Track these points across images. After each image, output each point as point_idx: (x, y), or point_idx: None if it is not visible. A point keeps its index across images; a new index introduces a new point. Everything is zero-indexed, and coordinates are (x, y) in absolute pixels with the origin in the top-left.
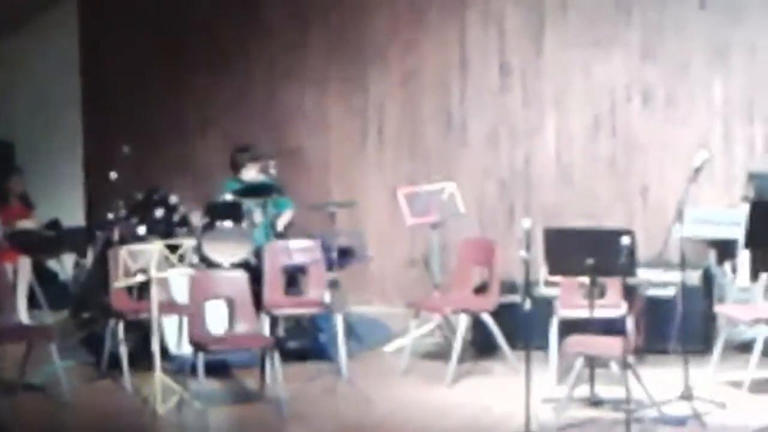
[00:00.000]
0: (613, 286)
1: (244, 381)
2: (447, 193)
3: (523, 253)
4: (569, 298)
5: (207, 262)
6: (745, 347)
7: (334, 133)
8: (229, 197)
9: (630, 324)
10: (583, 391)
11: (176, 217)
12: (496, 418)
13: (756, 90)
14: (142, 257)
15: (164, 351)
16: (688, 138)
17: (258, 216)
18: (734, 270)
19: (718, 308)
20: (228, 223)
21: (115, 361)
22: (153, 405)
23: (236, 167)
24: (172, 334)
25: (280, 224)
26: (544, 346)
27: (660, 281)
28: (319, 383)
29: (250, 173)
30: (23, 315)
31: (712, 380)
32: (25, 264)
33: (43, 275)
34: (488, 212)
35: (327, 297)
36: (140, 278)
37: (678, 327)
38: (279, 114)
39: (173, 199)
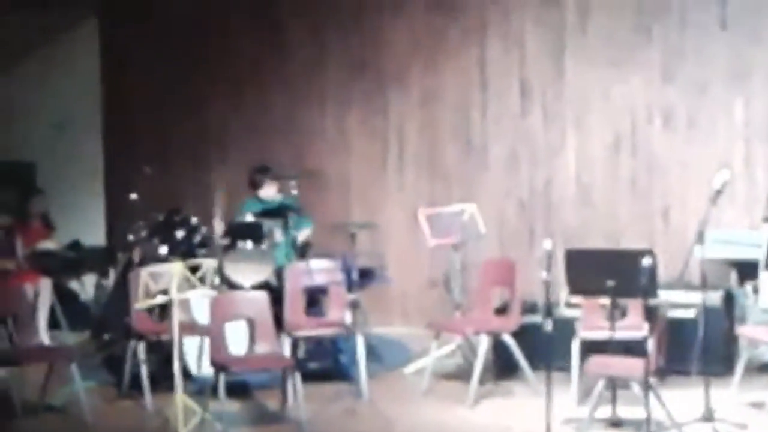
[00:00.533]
0: (635, 307)
1: (264, 402)
2: (468, 214)
3: (544, 274)
4: (590, 319)
5: (228, 283)
6: (767, 368)
7: (355, 154)
8: (249, 218)
9: (651, 345)
10: (604, 412)
11: (197, 238)
12: None
13: None
14: (163, 278)
15: (185, 372)
16: (709, 159)
17: (278, 236)
18: (756, 291)
19: (740, 329)
20: (249, 244)
21: (136, 382)
22: (174, 426)
23: (255, 186)
24: (193, 355)
25: (300, 237)
26: (565, 367)
27: (681, 302)
28: (340, 404)
29: (269, 192)
30: (44, 336)
31: (734, 402)
32: (46, 285)
33: (64, 296)
34: (509, 233)
35: (348, 318)
36: (161, 299)
37: (699, 348)
38: (299, 135)
39: (194, 220)
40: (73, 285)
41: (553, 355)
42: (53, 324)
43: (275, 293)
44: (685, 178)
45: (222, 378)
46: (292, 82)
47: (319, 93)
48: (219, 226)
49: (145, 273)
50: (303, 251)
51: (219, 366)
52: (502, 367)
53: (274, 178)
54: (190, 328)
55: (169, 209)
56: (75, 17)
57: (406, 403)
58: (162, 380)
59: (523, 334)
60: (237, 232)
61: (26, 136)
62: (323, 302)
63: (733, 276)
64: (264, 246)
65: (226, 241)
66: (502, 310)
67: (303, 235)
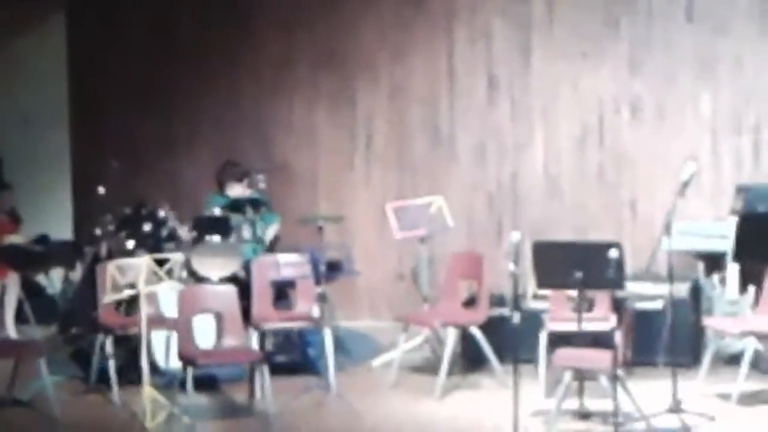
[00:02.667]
0: (602, 299)
1: (232, 395)
2: (435, 206)
3: (511, 267)
4: (558, 311)
5: (195, 277)
6: (734, 360)
7: (322, 147)
8: (217, 211)
9: (618, 337)
10: (571, 404)
11: (164, 232)
12: (485, 431)
13: (743, 102)
14: (130, 272)
15: (153, 365)
16: (677, 150)
17: (246, 230)
18: (722, 282)
19: (707, 321)
20: (216, 238)
21: (103, 376)
22: (142, 420)
23: (220, 184)
24: (161, 349)
25: (268, 236)
26: (532, 360)
27: (648, 294)
28: (308, 397)
29: (234, 190)
30: (11, 330)
31: (701, 393)
32: (13, 279)
33: (31, 290)
34: (476, 226)
35: (315, 311)
36: (129, 293)
37: (666, 340)
38: (267, 128)
39: (161, 213)
40: (41, 279)
41: (521, 348)
42: (20, 318)
43: (243, 286)
44: (653, 170)
45: (190, 371)
46: (260, 75)
47: (288, 86)
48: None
49: (112, 267)
50: (272, 248)
51: (187, 359)
52: (470, 359)
53: (239, 178)
54: (158, 321)
55: (136, 203)
56: (42, 11)
57: (374, 396)
58: (129, 374)
59: (490, 326)
60: (204, 225)
61: None
62: (291, 295)
63: (700, 267)
64: (231, 240)
65: (192, 236)
66: (469, 303)
67: (271, 231)
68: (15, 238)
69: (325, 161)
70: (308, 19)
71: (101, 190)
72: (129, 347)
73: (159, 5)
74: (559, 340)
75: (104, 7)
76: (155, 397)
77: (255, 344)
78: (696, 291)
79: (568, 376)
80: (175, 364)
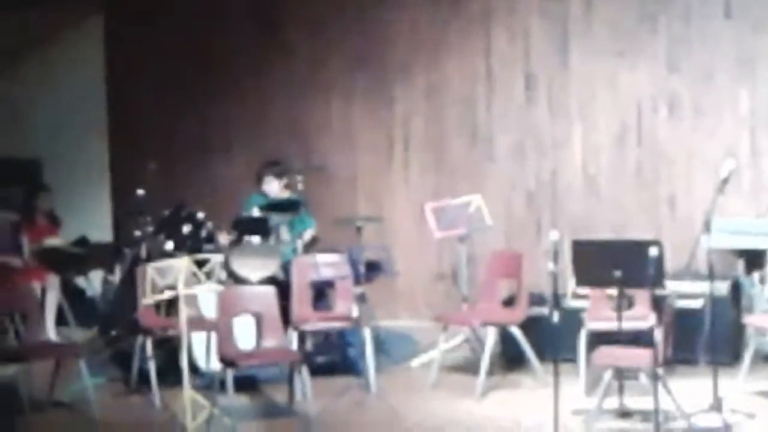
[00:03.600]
0: (642, 297)
1: (272, 396)
2: (474, 206)
3: (550, 266)
4: (597, 309)
5: (235, 278)
6: None
7: (360, 148)
8: (256, 212)
9: (658, 335)
10: (612, 402)
11: (203, 233)
12: (525, 430)
13: None
14: (169, 273)
15: (193, 367)
16: (715, 148)
17: (285, 231)
18: (762, 280)
19: (747, 319)
20: (255, 239)
21: (144, 378)
22: (182, 421)
23: (258, 180)
24: (201, 350)
25: (302, 242)
26: (572, 358)
27: (688, 292)
28: (348, 398)
29: (271, 187)
30: (51, 332)
31: (742, 391)
32: (53, 282)
33: (71, 292)
34: (515, 225)
35: (355, 311)
36: (168, 294)
37: (707, 338)
38: (304, 129)
39: (200, 215)
40: (80, 281)
41: (561, 347)
42: (60, 320)
43: (282, 287)
44: (691, 168)
45: (230, 373)
46: (296, 76)
47: (324, 87)
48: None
49: (151, 268)
50: (308, 249)
51: (227, 361)
52: (510, 359)
53: (279, 174)
54: (198, 323)
55: (175, 205)
56: (80, 14)
57: (414, 396)
58: (170, 375)
59: (530, 325)
60: (243, 226)
61: (32, 133)
62: (330, 296)
63: (740, 265)
64: (270, 240)
65: (231, 239)
66: (509, 302)
67: (307, 235)
68: (54, 241)
69: (364, 162)
70: (343, 20)
71: (140, 192)
72: (169, 349)
73: (195, 9)
74: (598, 338)
75: (141, 11)
76: (195, 399)
77: (295, 345)
78: (736, 289)
79: (608, 374)
80: (215, 365)
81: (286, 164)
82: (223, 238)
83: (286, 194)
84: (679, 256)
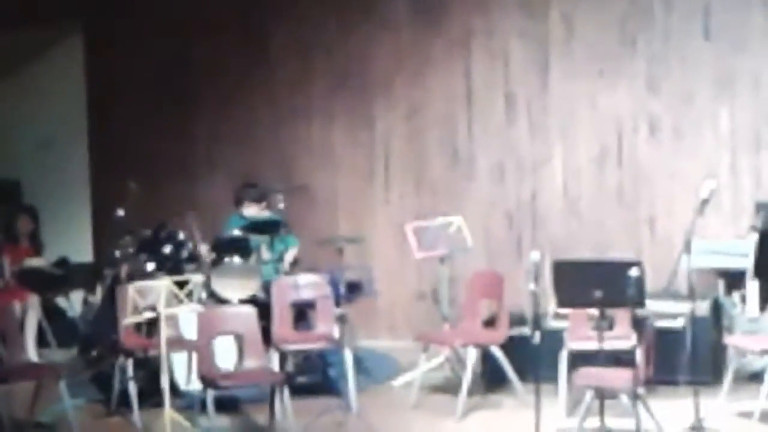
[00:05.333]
0: (622, 317)
1: (253, 417)
2: (454, 226)
3: (531, 286)
4: (578, 330)
5: (215, 298)
6: (755, 377)
7: (341, 168)
8: (236, 232)
9: (639, 355)
10: (593, 423)
11: (184, 254)
12: None
13: (762, 120)
14: (150, 294)
15: (174, 387)
16: (695, 168)
17: (265, 252)
18: (743, 300)
19: (728, 339)
20: (236, 259)
21: (124, 399)
22: None
23: (237, 203)
24: (182, 371)
25: (286, 263)
26: (553, 379)
27: (669, 312)
28: (329, 418)
29: (250, 210)
30: (32, 353)
31: (723, 411)
32: (33, 302)
33: (51, 313)
34: (496, 245)
35: (336, 332)
36: (149, 315)
37: (687, 358)
38: (285, 149)
39: (181, 235)
40: (61, 302)
41: (542, 367)
42: (41, 341)
43: (263, 308)
44: (672, 188)
45: (210, 393)
46: (277, 96)
47: (305, 107)
48: (203, 248)
49: (132, 289)
50: (291, 271)
51: (207, 381)
52: (491, 379)
53: (256, 198)
54: (178, 343)
55: (156, 225)
56: (60, 33)
57: (395, 417)
58: (151, 396)
59: (511, 346)
60: (223, 247)
61: (11, 153)
62: (311, 316)
63: (721, 285)
64: (251, 261)
65: (212, 257)
66: (490, 323)
67: (290, 255)
68: (35, 261)
69: (344, 182)
70: (325, 40)
71: (120, 212)
72: (150, 369)
73: (176, 28)
74: (579, 359)
75: (122, 31)
76: (176, 420)
77: (275, 365)
78: (716, 309)
79: (589, 395)
80: (196, 385)
81: (264, 186)
82: (204, 250)
83: (264, 214)
84: (660, 277)
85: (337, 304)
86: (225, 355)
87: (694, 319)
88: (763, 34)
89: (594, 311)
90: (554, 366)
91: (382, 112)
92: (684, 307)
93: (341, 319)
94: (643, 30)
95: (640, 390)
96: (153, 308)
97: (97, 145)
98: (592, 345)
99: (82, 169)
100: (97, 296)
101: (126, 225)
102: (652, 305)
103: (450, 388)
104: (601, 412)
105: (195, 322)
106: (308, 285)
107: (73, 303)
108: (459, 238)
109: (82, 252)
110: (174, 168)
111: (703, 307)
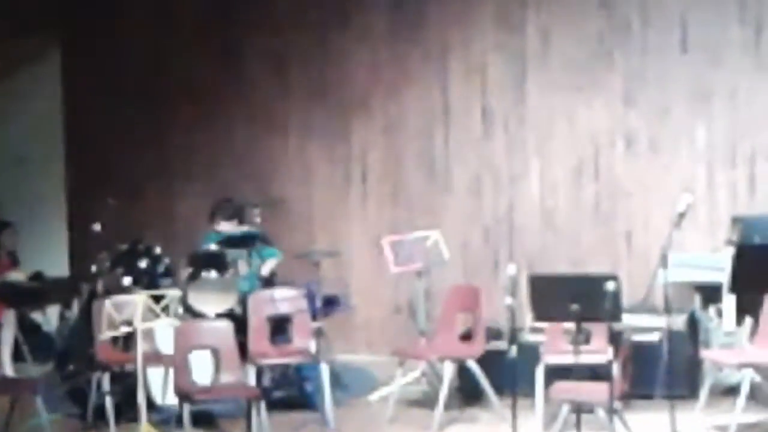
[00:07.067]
0: (599, 331)
1: (230, 431)
2: (431, 240)
3: (508, 300)
4: (555, 344)
5: (192, 313)
6: (731, 391)
7: (318, 182)
8: (213, 247)
9: (616, 369)
10: None
11: (161, 268)
12: None
13: (738, 134)
14: (126, 308)
15: (150, 402)
16: (672, 182)
17: (243, 266)
18: (719, 314)
19: (704, 353)
20: (213, 273)
21: (101, 413)
22: None
23: (211, 221)
24: (158, 385)
25: (265, 270)
26: (530, 393)
27: (645, 326)
28: None
29: (224, 228)
30: (7, 368)
31: (699, 425)
32: (8, 317)
33: (27, 327)
34: (472, 259)
35: (312, 346)
36: (125, 330)
37: (664, 372)
38: (262, 164)
39: (157, 249)
40: (37, 316)
41: (518, 381)
42: (17, 356)
43: (239, 322)
44: (648, 202)
45: (187, 408)
46: (254, 110)
47: (282, 121)
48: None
49: (108, 303)
50: (269, 283)
51: (183, 396)
52: (467, 393)
53: (230, 215)
54: (155, 358)
55: (132, 239)
56: (36, 47)
57: (372, 431)
58: (127, 411)
59: (487, 360)
60: (200, 261)
61: None
62: (288, 331)
63: (697, 299)
64: (228, 275)
65: (189, 272)
66: (466, 337)
67: (270, 264)
68: (12, 276)
69: (321, 196)
70: (301, 54)
71: (97, 227)
72: (126, 384)
73: (153, 42)
74: (556, 373)
75: (99, 45)
76: None
77: (252, 380)
78: (693, 323)
79: (565, 408)
80: (172, 400)
81: (239, 201)
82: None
83: (240, 229)
84: (636, 291)
85: (314, 318)
86: (201, 369)
87: (670, 333)
88: (740, 48)
89: (570, 325)
90: (531, 380)
91: (359, 126)
92: (660, 321)
93: (318, 333)
94: (620, 44)
95: (617, 404)
96: (129, 323)
97: (74, 160)
98: (568, 359)
99: (59, 184)
100: (74, 311)
101: (102, 239)
102: (628, 319)
103: (427, 402)
104: (578, 426)
105: (171, 336)
106: (285, 299)
107: (49, 317)
108: (435, 252)
109: (59, 266)
110: (151, 183)
111: (680, 321)
